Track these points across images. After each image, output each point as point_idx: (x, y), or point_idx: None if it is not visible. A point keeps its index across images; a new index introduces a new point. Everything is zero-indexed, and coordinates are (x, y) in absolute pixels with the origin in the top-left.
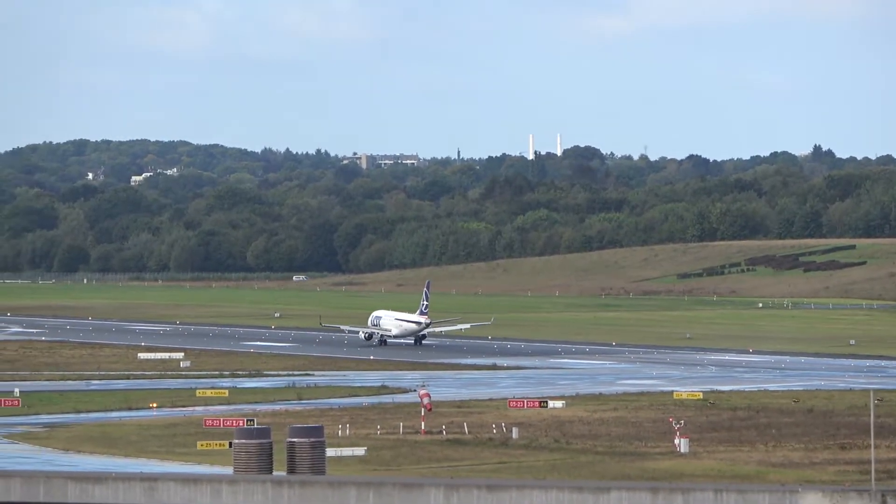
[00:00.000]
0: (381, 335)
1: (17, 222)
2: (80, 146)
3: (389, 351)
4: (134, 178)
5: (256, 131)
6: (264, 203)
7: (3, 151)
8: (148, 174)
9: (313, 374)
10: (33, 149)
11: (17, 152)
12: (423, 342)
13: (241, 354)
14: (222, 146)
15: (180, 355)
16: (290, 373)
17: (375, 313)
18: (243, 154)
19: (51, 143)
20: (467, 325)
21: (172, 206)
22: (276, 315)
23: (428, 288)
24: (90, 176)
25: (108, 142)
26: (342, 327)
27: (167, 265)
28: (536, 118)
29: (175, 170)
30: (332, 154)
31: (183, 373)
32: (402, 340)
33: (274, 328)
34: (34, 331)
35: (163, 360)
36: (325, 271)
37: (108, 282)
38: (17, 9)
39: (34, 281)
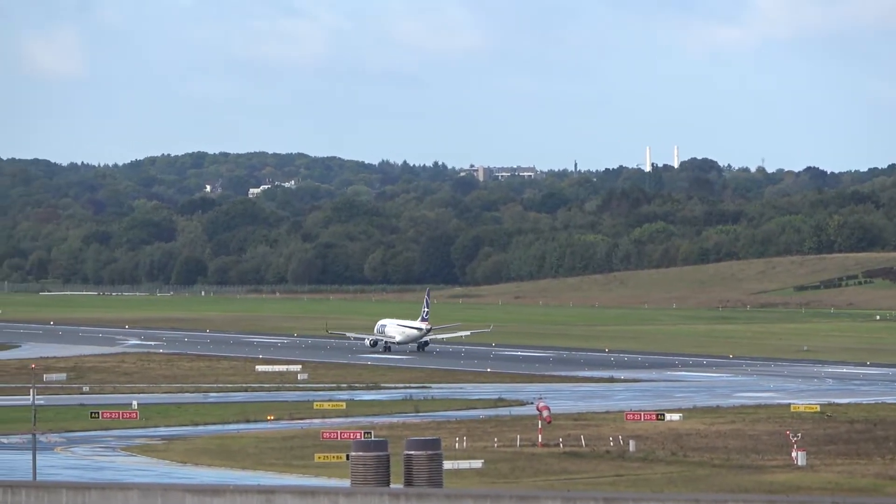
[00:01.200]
0: (386, 342)
1: (135, 234)
2: (198, 158)
3: (501, 363)
4: (252, 190)
5: (374, 143)
6: (381, 215)
7: (122, 164)
8: (266, 186)
9: (430, 387)
10: (152, 161)
11: (135, 165)
12: (426, 348)
13: (358, 367)
14: (340, 158)
15: (298, 368)
16: (407, 385)
17: (381, 321)
18: (361, 166)
19: (169, 155)
20: (467, 333)
21: (290, 219)
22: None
23: (428, 295)
24: (208, 188)
25: (226, 154)
26: (348, 334)
27: (285, 277)
28: (653, 130)
29: (293, 182)
30: (450, 166)
31: (300, 385)
32: (406, 347)
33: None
34: (152, 343)
35: (280, 373)
36: (441, 283)
37: (225, 294)
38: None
39: (152, 293)
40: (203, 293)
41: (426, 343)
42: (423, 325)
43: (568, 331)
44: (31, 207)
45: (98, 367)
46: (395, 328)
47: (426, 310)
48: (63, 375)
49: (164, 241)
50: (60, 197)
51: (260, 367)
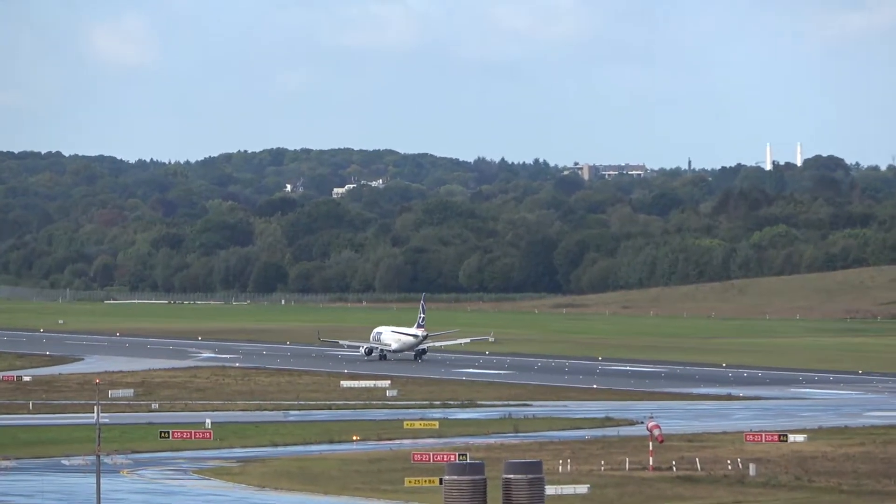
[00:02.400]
0: (381, 350)
1: (209, 238)
2: (277, 156)
3: (608, 379)
4: (336, 190)
5: (469, 139)
6: (477, 217)
7: (194, 161)
8: (351, 186)
9: (531, 405)
10: (227, 158)
11: (209, 162)
12: (423, 357)
13: (452, 382)
14: (432, 155)
15: (386, 383)
16: (506, 403)
17: (377, 329)
18: (455, 164)
19: (246, 151)
20: (466, 340)
21: (378, 221)
22: (490, 339)
23: (424, 301)
24: (288, 188)
25: (307, 151)
26: (341, 342)
27: (372, 285)
28: (774, 126)
29: (380, 181)
30: (552, 164)
31: (389, 402)
32: (402, 355)
33: (488, 354)
34: (227, 356)
35: (367, 389)
36: (543, 292)
37: (307, 303)
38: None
39: (227, 302)
40: (283, 302)
41: (423, 351)
42: (420, 332)
43: (681, 344)
44: (95, 208)
45: (168, 382)
46: (391, 335)
47: (422, 315)
48: (130, 391)
49: (240, 245)
50: (127, 197)
51: (345, 383)
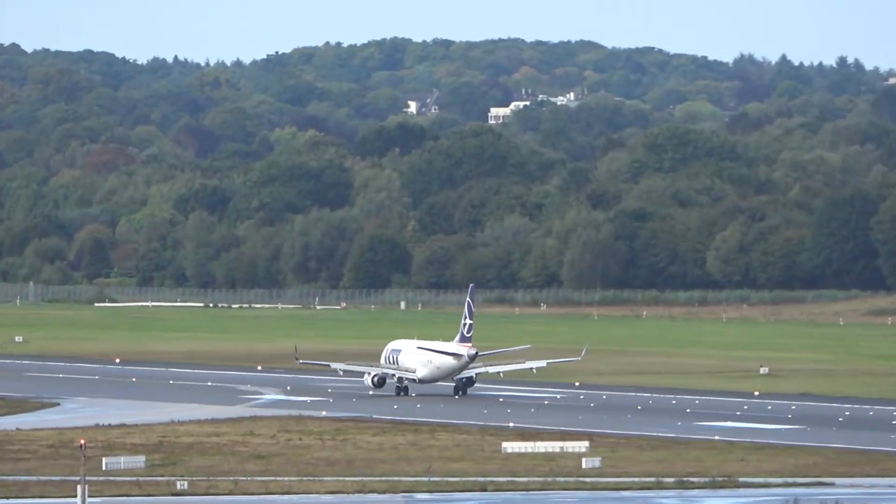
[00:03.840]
0: (400, 378)
1: (276, 194)
2: (392, 52)
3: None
4: (494, 111)
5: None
6: (740, 159)
7: (249, 62)
8: (520, 104)
9: (832, 484)
10: (305, 57)
11: (274, 63)
12: (469, 388)
13: (692, 444)
14: (660, 52)
15: (582, 445)
16: (790, 481)
17: (392, 345)
18: (700, 66)
19: (339, 45)
20: (542, 364)
21: (566, 165)
22: (762, 371)
23: (472, 295)
24: (411, 108)
25: (445, 43)
26: (333, 365)
27: (556, 276)
28: None
29: (570, 96)
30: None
31: (587, 480)
32: (432, 387)
33: (758, 396)
34: (307, 399)
35: (550, 455)
36: (853, 288)
37: (444, 306)
38: None
39: (307, 304)
40: (403, 304)
41: (470, 380)
42: (463, 350)
43: None
44: (78, 143)
45: (205, 443)
46: (417, 355)
47: (468, 322)
48: (140, 459)
49: (329, 206)
50: (134, 124)
51: (509, 445)
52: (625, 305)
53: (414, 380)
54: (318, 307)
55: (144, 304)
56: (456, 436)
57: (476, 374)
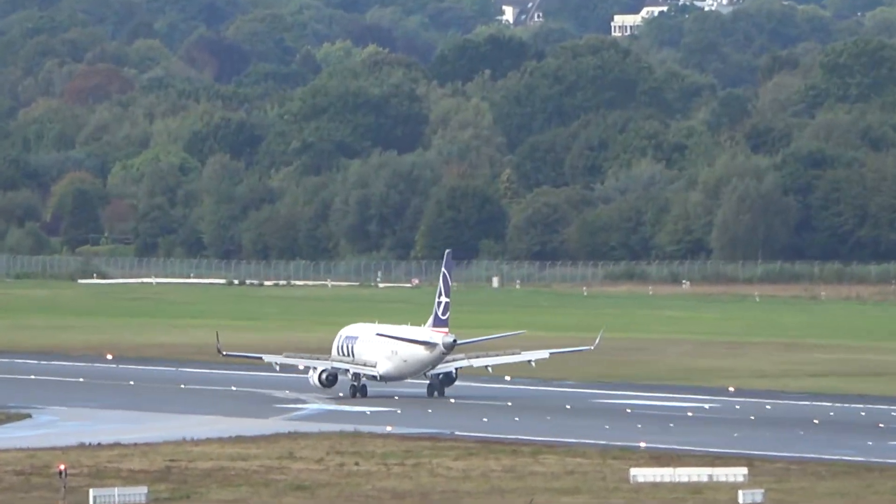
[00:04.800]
0: (356, 374)
1: (323, 132)
2: None
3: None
4: (618, 20)
5: None
6: None
7: None
8: (655, 9)
9: None
10: None
11: None
12: (448, 387)
13: (888, 472)
14: None
15: (740, 472)
16: None
17: (347, 331)
18: None
19: None
20: (543, 354)
21: (721, 92)
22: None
23: (448, 265)
24: (506, 16)
25: None
26: (269, 358)
27: (702, 242)
28: None
29: None
30: None
31: None
32: (399, 384)
33: None
34: (366, 410)
35: (694, 485)
36: None
37: (550, 284)
38: None
39: (366, 281)
40: (496, 282)
41: (449, 377)
42: (439, 337)
43: None
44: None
45: (227, 469)
46: (377, 345)
47: (443, 299)
48: (140, 492)
49: (396, 149)
50: (132, 37)
51: (640, 473)
52: (796, 283)
53: (374, 376)
54: (380, 284)
55: (146, 280)
56: (568, 459)
57: (456, 369)
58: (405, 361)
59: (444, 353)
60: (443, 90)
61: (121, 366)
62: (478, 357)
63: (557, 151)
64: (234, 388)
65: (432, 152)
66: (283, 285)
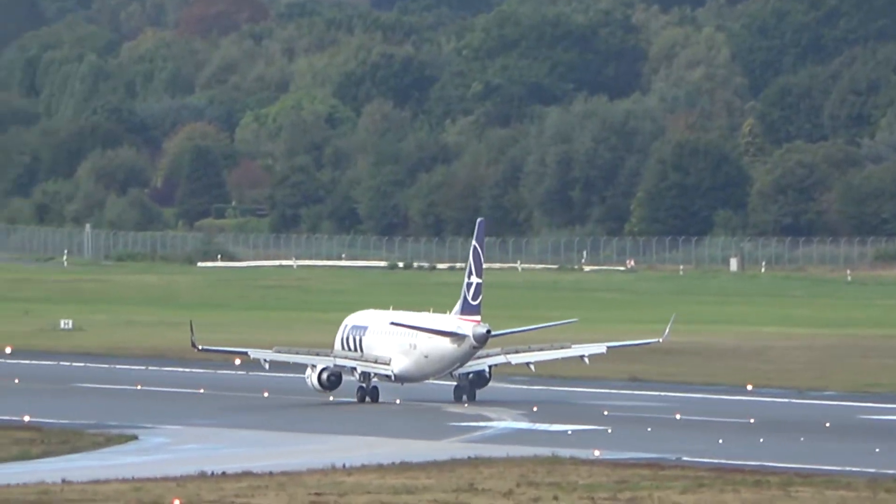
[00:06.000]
0: (364, 373)
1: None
2: None
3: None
4: None
5: None
6: None
7: None
8: None
9: None
10: None
11: None
12: (483, 388)
13: None
14: None
15: None
16: None
17: (354, 319)
18: None
19: None
20: (600, 349)
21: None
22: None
23: (479, 237)
24: None
25: None
26: (255, 354)
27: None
28: None
29: None
30: None
31: None
32: (419, 386)
33: None
34: (567, 429)
35: None
36: None
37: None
38: None
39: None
40: (734, 262)
41: (482, 377)
42: (468, 327)
43: None
44: None
45: None
46: (392, 338)
47: (474, 279)
48: None
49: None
50: None
51: None
52: None
53: (388, 376)
54: (585, 268)
55: (284, 263)
56: (828, 493)
57: (490, 367)
58: (426, 357)
59: (475, 347)
60: (666, 17)
61: (251, 373)
62: (518, 352)
63: (814, 97)
64: (397, 402)
65: (653, 98)
66: (461, 269)
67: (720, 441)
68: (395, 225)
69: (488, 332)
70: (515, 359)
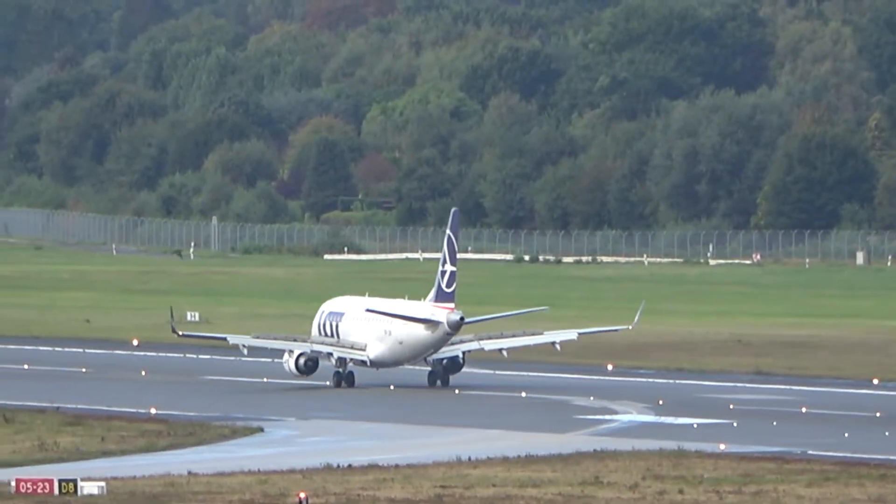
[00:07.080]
0: (340, 358)
1: None
2: None
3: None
4: None
5: None
6: None
7: None
8: None
9: None
10: None
11: None
12: (454, 374)
13: None
14: None
15: None
16: None
17: (331, 305)
18: None
19: None
20: (571, 335)
21: None
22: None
23: (454, 227)
24: None
25: None
26: (234, 339)
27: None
28: None
29: None
30: None
31: None
32: (393, 371)
33: None
34: (692, 422)
35: None
36: None
37: None
38: None
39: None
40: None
41: (455, 363)
42: (442, 314)
43: None
44: None
45: (515, 498)
46: (367, 323)
47: (448, 268)
48: None
49: (731, 85)
50: None
51: None
52: None
53: (363, 361)
54: (711, 261)
55: (410, 256)
56: None
57: (464, 353)
58: (401, 343)
59: (448, 334)
60: (793, 11)
61: (381, 370)
62: (490, 338)
63: None
64: (522, 395)
65: (779, 92)
66: (587, 262)
67: (846, 435)
68: (521, 218)
69: (462, 319)
70: (488, 345)
